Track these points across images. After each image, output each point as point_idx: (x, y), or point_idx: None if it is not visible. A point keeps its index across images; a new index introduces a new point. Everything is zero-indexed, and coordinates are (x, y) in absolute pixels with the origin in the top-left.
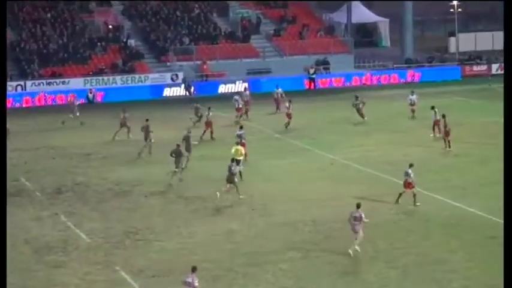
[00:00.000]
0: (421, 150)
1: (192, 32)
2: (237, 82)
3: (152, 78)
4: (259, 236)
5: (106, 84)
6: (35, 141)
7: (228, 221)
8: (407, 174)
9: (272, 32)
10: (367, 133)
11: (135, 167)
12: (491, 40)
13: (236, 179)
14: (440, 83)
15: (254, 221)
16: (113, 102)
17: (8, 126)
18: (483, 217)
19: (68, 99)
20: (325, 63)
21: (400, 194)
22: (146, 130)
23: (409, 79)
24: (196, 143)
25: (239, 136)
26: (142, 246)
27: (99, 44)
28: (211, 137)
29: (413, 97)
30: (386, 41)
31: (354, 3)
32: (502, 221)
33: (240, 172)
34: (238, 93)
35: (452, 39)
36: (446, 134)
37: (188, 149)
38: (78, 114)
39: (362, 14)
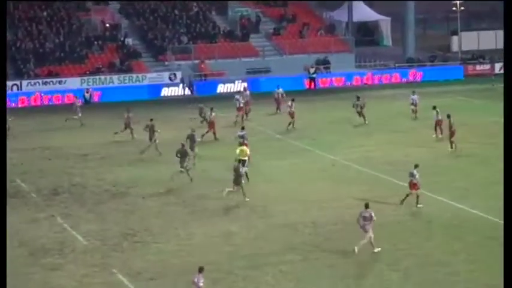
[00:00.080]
0: (423, 151)
1: (191, 30)
2: (236, 81)
3: (150, 77)
4: (259, 238)
5: (103, 83)
6: (31, 141)
7: (227, 223)
8: (412, 175)
9: (272, 30)
10: (368, 133)
11: (133, 168)
12: (495, 39)
13: (243, 181)
14: (442, 83)
15: (254, 223)
16: (110, 102)
17: (9, 124)
18: (486, 218)
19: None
20: (325, 63)
21: (407, 195)
22: (151, 130)
23: (410, 78)
24: (199, 139)
25: (241, 137)
26: (140, 249)
27: (96, 43)
28: (215, 138)
29: (415, 97)
30: (387, 40)
31: (355, 1)
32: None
33: (246, 173)
34: (239, 92)
35: (455, 38)
36: (451, 134)
37: (192, 148)
38: (80, 115)
39: (363, 12)
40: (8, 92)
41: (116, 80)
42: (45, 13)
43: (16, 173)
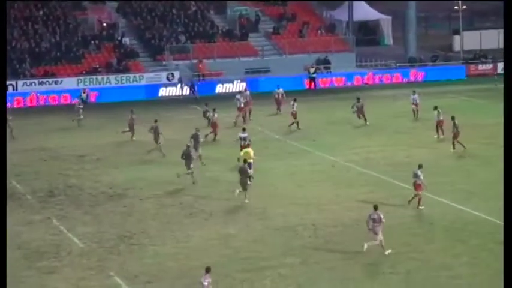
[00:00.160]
0: (425, 152)
1: (189, 30)
2: (235, 82)
3: (147, 77)
4: (257, 241)
5: (100, 83)
6: (27, 142)
7: (225, 225)
8: (416, 175)
9: (271, 30)
10: (368, 134)
11: (130, 170)
12: (497, 38)
13: (249, 182)
14: (444, 83)
15: (252, 225)
16: (107, 103)
17: (11, 123)
18: (489, 221)
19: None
20: (325, 62)
21: (415, 196)
22: (156, 131)
23: (412, 78)
24: (203, 139)
25: (243, 139)
26: (137, 251)
27: (92, 42)
28: (214, 139)
29: (415, 96)
30: (388, 39)
31: (355, 0)
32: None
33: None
34: (239, 92)
35: (457, 37)
36: (455, 136)
37: (197, 148)
38: (82, 116)
39: (364, 11)
40: None
41: (113, 80)
42: (41, 12)
43: (11, 174)
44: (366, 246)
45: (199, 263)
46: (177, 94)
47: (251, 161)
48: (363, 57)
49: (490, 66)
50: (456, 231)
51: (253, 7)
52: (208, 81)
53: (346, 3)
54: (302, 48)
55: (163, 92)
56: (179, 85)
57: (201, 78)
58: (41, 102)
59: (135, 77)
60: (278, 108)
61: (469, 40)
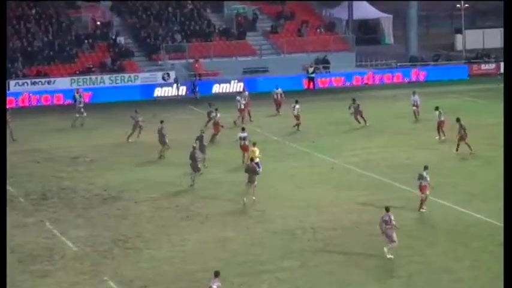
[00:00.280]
0: (426, 153)
1: (185, 28)
2: (232, 82)
3: (142, 77)
4: (255, 244)
5: (94, 84)
6: (19, 144)
7: (222, 228)
8: (422, 177)
9: (269, 28)
10: (369, 135)
11: (124, 172)
12: (500, 37)
13: (255, 182)
14: (446, 83)
15: (250, 228)
16: (101, 103)
17: (11, 124)
18: (490, 223)
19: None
20: (325, 62)
21: (426, 199)
22: (160, 133)
23: (413, 78)
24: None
25: (243, 138)
26: (132, 255)
27: (86, 41)
28: (211, 140)
29: (416, 98)
30: (389, 38)
31: None
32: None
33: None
34: (239, 93)
35: (459, 36)
36: (461, 138)
37: (202, 150)
38: (85, 114)
39: (364, 9)
40: None
41: (107, 80)
42: (33, 11)
43: None
44: (388, 255)
45: (195, 267)
46: (173, 94)
47: (257, 159)
48: (363, 56)
49: (493, 65)
50: (457, 234)
51: (250, 5)
52: (205, 81)
53: (346, 1)
54: (301, 47)
55: (158, 92)
56: (175, 85)
57: (198, 78)
58: (34, 103)
59: (129, 76)
60: (277, 109)
61: (472, 39)
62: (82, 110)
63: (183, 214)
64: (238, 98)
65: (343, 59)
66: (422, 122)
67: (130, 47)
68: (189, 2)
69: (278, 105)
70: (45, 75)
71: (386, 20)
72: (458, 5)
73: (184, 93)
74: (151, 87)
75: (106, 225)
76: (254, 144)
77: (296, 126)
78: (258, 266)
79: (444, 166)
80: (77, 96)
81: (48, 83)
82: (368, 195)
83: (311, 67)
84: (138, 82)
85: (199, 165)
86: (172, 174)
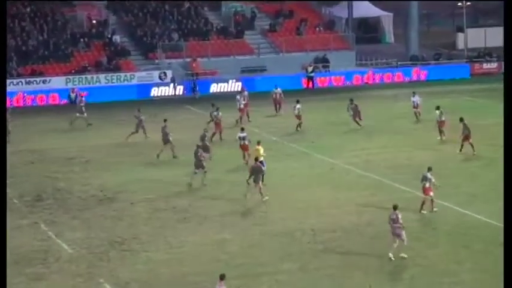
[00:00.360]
0: (427, 154)
1: (182, 27)
2: (230, 81)
3: (139, 76)
4: (254, 246)
5: (89, 83)
6: (14, 144)
7: (220, 230)
8: (426, 178)
9: (267, 27)
10: (369, 136)
11: (121, 172)
12: (503, 36)
13: (260, 182)
14: (447, 82)
15: (249, 230)
16: (96, 103)
17: (9, 127)
18: (492, 225)
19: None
20: (324, 61)
21: (432, 201)
22: (164, 132)
23: (414, 77)
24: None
25: (243, 138)
26: (128, 257)
27: (82, 40)
28: (210, 139)
29: (416, 98)
30: (389, 37)
31: None
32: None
33: (251, 178)
34: (239, 92)
35: (461, 35)
36: (465, 138)
37: (206, 149)
38: (85, 114)
39: (364, 8)
40: None
41: (103, 79)
42: (28, 9)
43: None
44: (404, 255)
45: (192, 269)
46: (170, 94)
47: (262, 158)
48: (363, 55)
49: (495, 64)
50: (459, 235)
51: (248, 4)
52: (203, 81)
53: None
54: (300, 46)
55: (155, 91)
56: (172, 84)
57: (195, 77)
58: (28, 103)
59: (126, 76)
60: (276, 109)
61: (473, 38)
62: (83, 109)
63: (180, 215)
64: (238, 97)
65: (343, 58)
66: (423, 122)
67: (126, 45)
68: (186, 0)
69: (277, 105)
70: (40, 74)
71: (386, 18)
72: (459, 3)
73: (181, 93)
74: (148, 87)
75: (102, 226)
76: (258, 143)
77: (298, 127)
78: (256, 268)
79: (445, 167)
80: (72, 96)
81: (43, 82)
82: (368, 196)
83: (310, 66)
84: (134, 81)
85: (203, 163)
86: (170, 175)
